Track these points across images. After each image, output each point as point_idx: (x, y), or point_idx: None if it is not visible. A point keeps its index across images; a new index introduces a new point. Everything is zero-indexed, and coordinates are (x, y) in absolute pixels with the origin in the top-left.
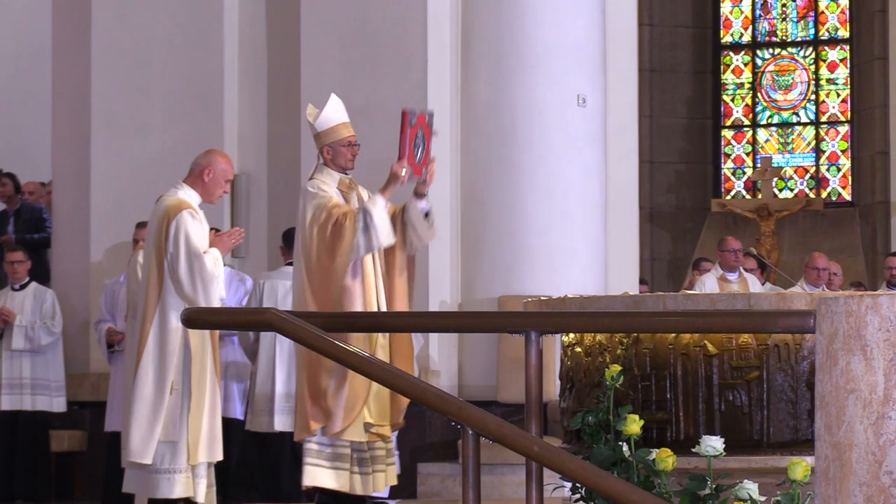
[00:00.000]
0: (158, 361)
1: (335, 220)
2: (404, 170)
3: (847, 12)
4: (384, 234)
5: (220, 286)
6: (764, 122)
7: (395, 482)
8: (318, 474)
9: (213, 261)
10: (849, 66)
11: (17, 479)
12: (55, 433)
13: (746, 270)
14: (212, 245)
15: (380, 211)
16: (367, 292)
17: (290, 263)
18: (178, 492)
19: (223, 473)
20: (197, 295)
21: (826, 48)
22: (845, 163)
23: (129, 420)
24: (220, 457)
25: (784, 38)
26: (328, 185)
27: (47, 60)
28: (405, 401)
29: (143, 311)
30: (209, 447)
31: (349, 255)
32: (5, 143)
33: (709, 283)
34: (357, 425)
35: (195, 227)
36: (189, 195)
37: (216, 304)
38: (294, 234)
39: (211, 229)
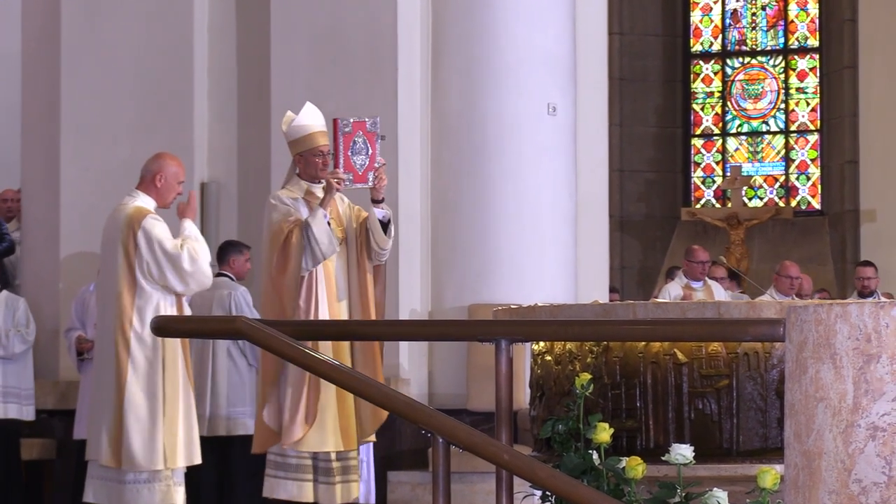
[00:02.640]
0: (147, 367)
1: (285, 234)
2: (338, 179)
3: (817, 21)
4: (325, 245)
5: (206, 256)
6: (734, 130)
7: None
8: (277, 486)
9: (193, 242)
10: (818, 75)
11: None
12: (24, 441)
13: (715, 279)
14: (183, 217)
15: (319, 223)
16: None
17: (220, 275)
18: (159, 500)
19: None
20: (190, 287)
21: (796, 57)
22: (815, 171)
23: (113, 429)
24: (198, 460)
25: (754, 46)
26: (293, 196)
27: (17, 67)
28: (380, 416)
29: (119, 320)
30: (187, 451)
31: (298, 271)
32: None
33: (673, 292)
34: (317, 436)
35: (162, 229)
36: (145, 202)
37: (210, 277)
38: (227, 248)
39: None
